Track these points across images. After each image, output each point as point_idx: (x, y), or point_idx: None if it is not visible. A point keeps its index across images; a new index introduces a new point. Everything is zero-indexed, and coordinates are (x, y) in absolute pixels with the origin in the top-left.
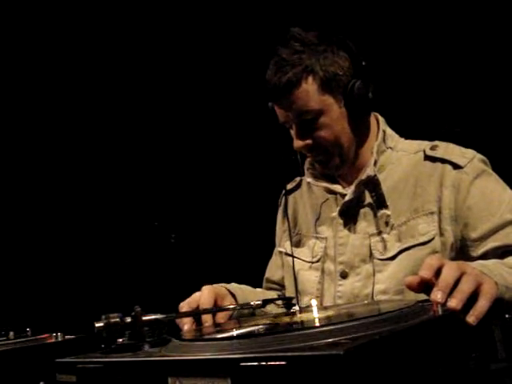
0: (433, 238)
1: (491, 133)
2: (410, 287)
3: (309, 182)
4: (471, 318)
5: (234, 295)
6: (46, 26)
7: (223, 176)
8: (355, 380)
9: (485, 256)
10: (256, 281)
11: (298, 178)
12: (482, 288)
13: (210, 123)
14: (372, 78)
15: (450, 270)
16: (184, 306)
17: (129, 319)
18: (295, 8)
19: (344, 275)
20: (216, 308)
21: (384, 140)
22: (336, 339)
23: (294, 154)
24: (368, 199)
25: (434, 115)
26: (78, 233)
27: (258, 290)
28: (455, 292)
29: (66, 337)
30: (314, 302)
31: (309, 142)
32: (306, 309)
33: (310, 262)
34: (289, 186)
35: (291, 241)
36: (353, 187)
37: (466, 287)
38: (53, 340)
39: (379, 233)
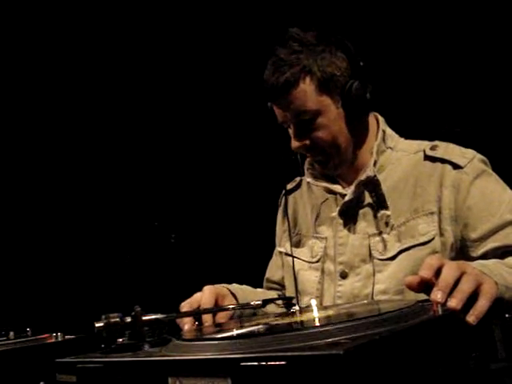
0: (433, 238)
1: (491, 133)
2: (410, 287)
3: (309, 182)
4: (471, 318)
5: (234, 295)
6: (46, 26)
7: (223, 176)
8: (355, 380)
9: (485, 256)
10: (256, 281)
11: (297, 178)
12: (482, 288)
13: (210, 123)
14: (370, 79)
15: (450, 270)
16: (185, 306)
17: (129, 319)
18: (295, 8)
19: (344, 275)
20: (216, 308)
21: (384, 140)
22: (336, 339)
23: (294, 154)
24: (368, 199)
25: (433, 115)
26: (78, 233)
27: (259, 290)
28: (455, 292)
29: (66, 337)
30: (313, 302)
31: (306, 142)
32: (306, 309)
33: (309, 262)
34: (289, 186)
35: (291, 241)
36: (352, 187)
37: (466, 287)
38: (53, 340)
39: (379, 233)
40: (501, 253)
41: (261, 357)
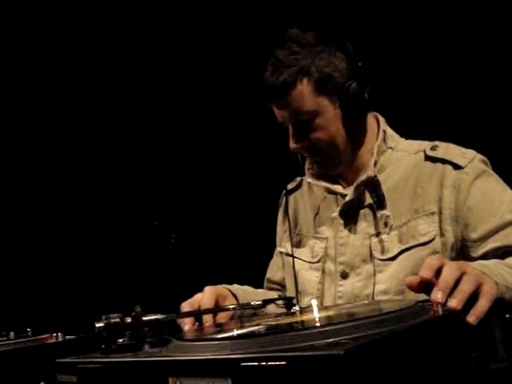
0: (433, 239)
1: (491, 133)
2: (411, 287)
3: (309, 182)
4: (471, 318)
5: (235, 296)
6: (46, 25)
7: (223, 176)
8: (356, 380)
9: (485, 256)
10: (257, 281)
11: (298, 178)
12: (483, 288)
13: (210, 123)
14: (369, 79)
15: (450, 270)
16: (185, 306)
17: (129, 319)
18: (296, 8)
19: (344, 275)
20: (216, 308)
21: (384, 140)
22: (336, 339)
23: (295, 154)
24: (368, 200)
25: (434, 115)
26: (79, 233)
27: (260, 290)
28: (455, 292)
29: (67, 337)
30: (314, 302)
31: (305, 142)
32: (307, 309)
33: (310, 263)
34: (289, 186)
35: (291, 241)
36: (353, 188)
37: (466, 287)
38: (53, 340)
39: (380, 233)
40: (501, 253)
41: (261, 357)
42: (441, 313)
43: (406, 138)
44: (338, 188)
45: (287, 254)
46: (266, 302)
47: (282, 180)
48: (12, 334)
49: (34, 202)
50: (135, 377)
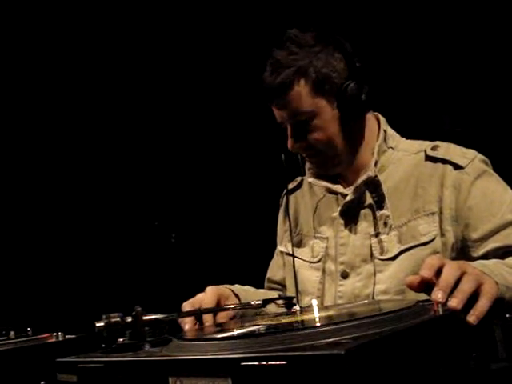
0: (434, 239)
1: (491, 133)
2: (411, 287)
3: (310, 182)
4: (472, 318)
5: (237, 296)
6: (46, 25)
7: (224, 175)
8: (356, 380)
9: (485, 256)
10: (257, 280)
11: (298, 178)
12: (483, 288)
13: (210, 123)
14: (368, 80)
15: (450, 270)
16: (186, 306)
17: (129, 319)
18: (296, 8)
19: (345, 275)
20: (216, 308)
21: (385, 140)
22: (337, 339)
23: (296, 154)
24: (369, 200)
25: (434, 115)
26: (79, 232)
27: (261, 290)
28: (456, 292)
29: (67, 336)
30: (314, 302)
31: (303, 143)
32: (307, 308)
33: (310, 262)
34: (290, 186)
35: (292, 241)
36: (353, 188)
37: (466, 287)
38: (53, 340)
39: (380, 233)
40: (501, 253)
41: (261, 357)
42: (441, 312)
43: (407, 138)
44: (338, 188)
45: (288, 254)
46: (266, 302)
47: (282, 180)
48: (12, 333)
49: (34, 202)
50: (135, 376)
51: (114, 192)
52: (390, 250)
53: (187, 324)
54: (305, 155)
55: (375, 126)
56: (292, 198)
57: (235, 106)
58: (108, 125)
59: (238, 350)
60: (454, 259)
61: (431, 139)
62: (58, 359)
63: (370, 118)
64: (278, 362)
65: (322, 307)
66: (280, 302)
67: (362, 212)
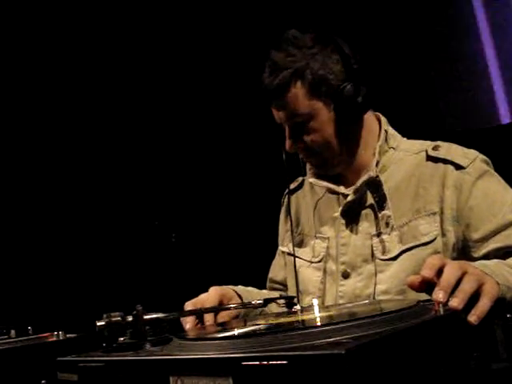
0: (435, 239)
1: (492, 133)
2: (412, 287)
3: (311, 182)
4: (473, 318)
5: (240, 297)
6: (46, 25)
7: (225, 175)
8: (357, 379)
9: (486, 257)
10: (258, 280)
11: (300, 178)
12: (484, 288)
13: (211, 122)
14: (365, 81)
15: (451, 270)
16: (188, 306)
17: (130, 318)
18: (296, 8)
19: (346, 275)
20: (217, 307)
21: (386, 140)
22: (338, 339)
23: (296, 154)
24: (370, 200)
25: (434, 115)
26: (79, 232)
27: (264, 291)
28: (457, 291)
29: (68, 335)
30: (315, 302)
31: (300, 144)
32: (308, 308)
33: (311, 262)
34: (291, 186)
35: (293, 241)
36: (355, 188)
37: (467, 287)
38: (54, 339)
39: (381, 233)
40: (503, 253)
41: (262, 356)
42: (442, 312)
43: (408, 138)
44: (339, 188)
45: (289, 254)
46: (267, 301)
47: (283, 180)
48: (13, 332)
49: (34, 202)
50: (136, 375)
51: (114, 192)
52: (391, 250)
53: (188, 323)
54: (302, 156)
55: (376, 126)
56: (293, 198)
57: (236, 106)
58: (108, 125)
59: (239, 349)
60: (454, 259)
61: (432, 139)
62: (58, 358)
63: (371, 118)
64: (278, 362)
65: (322, 307)
66: (281, 301)
67: (363, 212)
